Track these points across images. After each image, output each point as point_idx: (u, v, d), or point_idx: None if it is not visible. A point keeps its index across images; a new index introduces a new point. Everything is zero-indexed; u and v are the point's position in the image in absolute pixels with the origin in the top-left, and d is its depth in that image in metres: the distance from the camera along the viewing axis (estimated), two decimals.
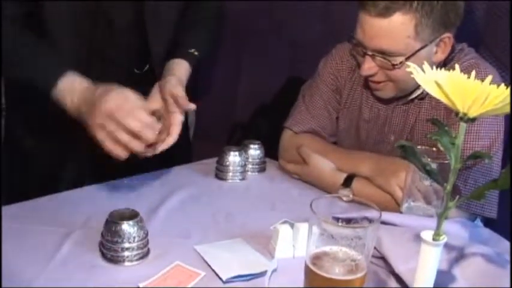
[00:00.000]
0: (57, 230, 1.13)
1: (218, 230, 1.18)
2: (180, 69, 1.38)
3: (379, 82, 1.36)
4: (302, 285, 0.86)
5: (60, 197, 1.30)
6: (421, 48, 1.28)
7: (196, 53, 1.43)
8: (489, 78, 0.68)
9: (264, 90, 2.08)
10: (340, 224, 0.85)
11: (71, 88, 1.21)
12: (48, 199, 1.28)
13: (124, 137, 1.13)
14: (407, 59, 1.27)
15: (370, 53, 1.30)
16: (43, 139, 1.44)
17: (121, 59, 1.42)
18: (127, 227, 1.01)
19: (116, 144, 1.14)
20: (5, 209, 1.19)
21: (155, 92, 1.31)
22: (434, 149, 1.18)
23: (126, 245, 1.01)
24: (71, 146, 1.44)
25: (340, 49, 1.53)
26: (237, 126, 2.17)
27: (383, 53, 1.29)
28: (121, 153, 1.15)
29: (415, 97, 1.39)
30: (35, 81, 1.24)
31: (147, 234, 1.05)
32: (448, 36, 1.30)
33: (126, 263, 1.02)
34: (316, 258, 0.83)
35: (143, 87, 1.29)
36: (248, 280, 0.99)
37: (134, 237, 1.02)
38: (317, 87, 1.54)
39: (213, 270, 1.01)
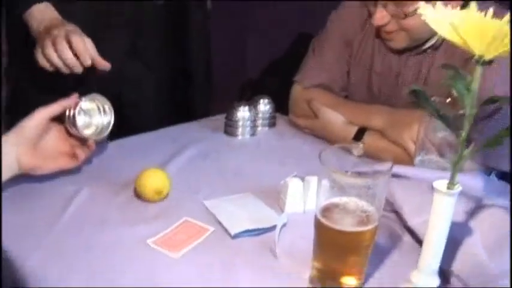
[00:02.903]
0: (66, 188, 1.12)
1: (227, 186, 1.16)
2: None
3: (391, 32, 1.31)
4: (312, 240, 0.84)
5: None
6: None
7: None
8: (507, 16, 0.64)
9: (274, 46, 2.04)
10: (349, 174, 0.82)
11: (41, 16, 1.28)
12: None
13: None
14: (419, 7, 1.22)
15: (382, 1, 1.26)
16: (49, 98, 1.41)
17: None
18: None
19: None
20: None
21: None
22: (448, 100, 1.14)
23: None
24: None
25: (351, 2, 1.48)
26: (247, 83, 2.14)
27: (395, 1, 1.24)
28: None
29: (429, 47, 1.34)
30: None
31: None
32: None
33: None
34: (326, 210, 0.81)
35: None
36: (257, 235, 0.97)
37: None
38: (327, 41, 1.50)
39: (222, 226, 0.99)
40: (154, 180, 1.08)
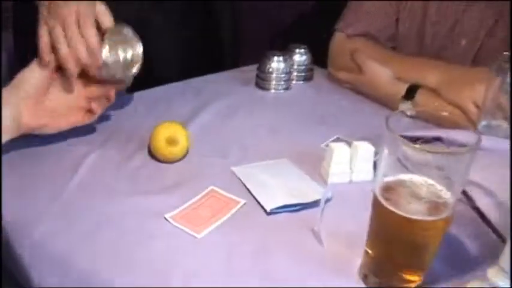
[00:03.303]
0: (74, 150, 0.97)
1: (259, 148, 1.00)
2: None
3: None
4: (362, 217, 0.69)
5: None
6: None
7: None
8: None
9: None
10: (426, 147, 0.64)
11: None
12: None
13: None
14: None
15: None
16: None
17: None
18: None
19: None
20: None
21: None
22: None
23: None
24: None
25: None
26: (278, 30, 1.95)
27: None
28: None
29: None
30: None
31: None
32: None
33: None
34: (389, 189, 0.64)
35: None
36: (297, 211, 0.82)
37: None
38: None
39: (255, 198, 0.84)
40: (167, 130, 0.93)
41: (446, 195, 0.62)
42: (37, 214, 0.79)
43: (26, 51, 1.11)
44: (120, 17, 1.00)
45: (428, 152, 0.60)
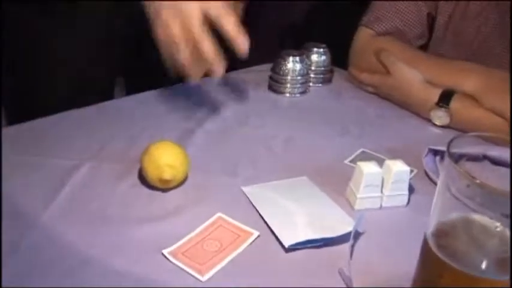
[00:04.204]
0: (61, 163, 0.83)
1: (274, 164, 0.87)
2: None
3: None
4: (397, 253, 0.56)
5: (69, 116, 1.00)
6: None
7: None
8: None
9: None
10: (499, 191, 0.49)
11: None
12: (59, 117, 0.99)
13: None
14: None
15: None
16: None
17: None
18: None
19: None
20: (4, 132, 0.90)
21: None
22: None
23: None
24: None
25: None
26: (291, 25, 1.81)
27: None
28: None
29: None
30: None
31: None
32: None
33: None
34: (444, 234, 0.51)
35: None
36: (320, 247, 0.68)
37: None
38: None
39: (270, 229, 0.70)
40: (161, 155, 0.77)
41: None
42: (8, 248, 0.66)
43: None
44: None
45: (500, 195, 0.46)
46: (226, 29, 0.87)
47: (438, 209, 0.51)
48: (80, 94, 1.15)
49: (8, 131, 0.92)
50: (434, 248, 0.50)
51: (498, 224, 0.48)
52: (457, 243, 0.50)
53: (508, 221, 0.47)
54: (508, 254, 0.47)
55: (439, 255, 0.50)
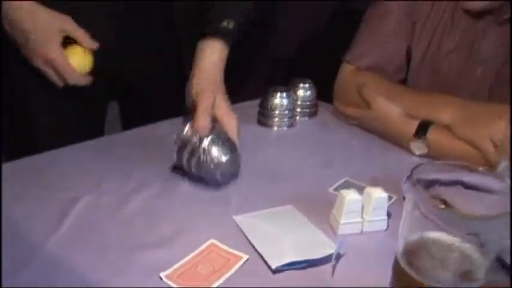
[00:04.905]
0: (61, 195, 0.89)
1: (262, 194, 0.93)
2: (211, 59, 1.07)
3: None
4: (377, 273, 0.62)
5: (67, 152, 1.06)
6: None
7: (230, 26, 1.10)
8: None
9: (314, 20, 1.77)
10: (457, 211, 0.56)
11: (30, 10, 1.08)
12: (56, 154, 1.04)
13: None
14: None
15: None
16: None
17: None
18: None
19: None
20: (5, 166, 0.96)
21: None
22: None
23: None
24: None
25: None
26: (279, 61, 1.88)
27: None
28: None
29: None
30: None
31: None
32: None
33: None
34: (412, 252, 0.57)
35: None
36: (305, 268, 0.74)
37: None
38: (384, 11, 1.23)
39: (259, 253, 0.76)
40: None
41: (479, 260, 0.54)
42: (11, 272, 0.71)
43: None
44: None
45: (461, 216, 0.53)
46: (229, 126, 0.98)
47: (406, 230, 0.57)
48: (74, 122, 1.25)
49: (8, 166, 0.98)
50: (403, 265, 0.56)
51: (458, 240, 0.55)
52: (423, 260, 0.56)
53: (471, 237, 0.54)
54: (470, 267, 0.54)
55: (408, 271, 0.56)
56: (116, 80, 1.28)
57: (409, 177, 0.92)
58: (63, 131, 1.24)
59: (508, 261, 0.69)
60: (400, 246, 0.58)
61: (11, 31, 1.09)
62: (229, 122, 0.99)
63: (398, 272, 0.57)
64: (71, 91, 1.16)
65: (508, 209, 0.69)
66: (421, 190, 0.54)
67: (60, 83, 1.13)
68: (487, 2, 1.09)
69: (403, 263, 0.56)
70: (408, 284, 0.56)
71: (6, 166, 0.97)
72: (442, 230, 0.55)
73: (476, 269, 0.54)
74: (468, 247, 0.54)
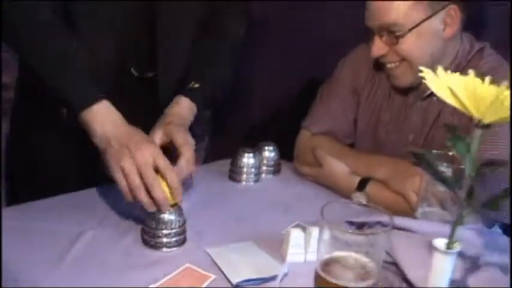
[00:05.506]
0: (69, 230, 1.13)
1: (230, 233, 1.17)
2: (175, 109, 1.31)
3: (393, 63, 1.36)
4: None
5: (72, 197, 1.30)
6: (424, 20, 1.29)
7: (195, 86, 1.34)
8: (504, 83, 0.66)
9: (282, 91, 2.06)
10: (350, 230, 0.84)
11: (106, 117, 1.15)
12: (59, 199, 1.27)
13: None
14: (411, 30, 1.29)
15: (376, 32, 1.33)
16: (53, 136, 1.40)
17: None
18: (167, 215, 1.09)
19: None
20: (11, 209, 1.21)
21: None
22: (451, 153, 1.15)
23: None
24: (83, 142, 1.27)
25: (360, 50, 1.52)
26: (253, 127, 2.16)
27: (387, 28, 1.31)
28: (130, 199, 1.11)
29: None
30: (68, 95, 1.17)
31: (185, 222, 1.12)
32: (453, 8, 1.29)
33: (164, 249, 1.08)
34: (327, 264, 0.82)
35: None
36: (258, 284, 0.98)
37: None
38: (335, 88, 1.53)
39: (224, 274, 1.00)
40: None
41: (371, 264, 0.79)
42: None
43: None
44: None
45: (352, 234, 0.78)
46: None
47: (322, 249, 0.82)
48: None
49: (14, 209, 1.22)
50: (320, 273, 0.81)
51: (357, 256, 0.80)
52: (329, 267, 0.81)
53: (365, 248, 0.79)
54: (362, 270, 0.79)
55: (323, 275, 0.80)
56: None
57: (351, 223, 1.16)
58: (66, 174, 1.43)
59: None
60: (318, 261, 0.82)
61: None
62: (186, 151, 1.20)
63: (317, 278, 0.82)
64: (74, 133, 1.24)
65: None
66: (329, 223, 0.80)
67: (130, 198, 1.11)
68: (412, 80, 1.37)
69: (320, 271, 0.81)
70: (323, 284, 0.81)
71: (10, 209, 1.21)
72: (346, 247, 0.80)
73: (370, 270, 0.79)
74: (362, 257, 0.80)
